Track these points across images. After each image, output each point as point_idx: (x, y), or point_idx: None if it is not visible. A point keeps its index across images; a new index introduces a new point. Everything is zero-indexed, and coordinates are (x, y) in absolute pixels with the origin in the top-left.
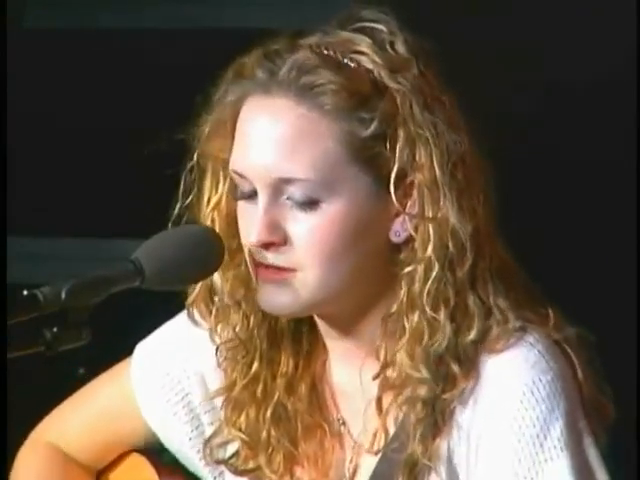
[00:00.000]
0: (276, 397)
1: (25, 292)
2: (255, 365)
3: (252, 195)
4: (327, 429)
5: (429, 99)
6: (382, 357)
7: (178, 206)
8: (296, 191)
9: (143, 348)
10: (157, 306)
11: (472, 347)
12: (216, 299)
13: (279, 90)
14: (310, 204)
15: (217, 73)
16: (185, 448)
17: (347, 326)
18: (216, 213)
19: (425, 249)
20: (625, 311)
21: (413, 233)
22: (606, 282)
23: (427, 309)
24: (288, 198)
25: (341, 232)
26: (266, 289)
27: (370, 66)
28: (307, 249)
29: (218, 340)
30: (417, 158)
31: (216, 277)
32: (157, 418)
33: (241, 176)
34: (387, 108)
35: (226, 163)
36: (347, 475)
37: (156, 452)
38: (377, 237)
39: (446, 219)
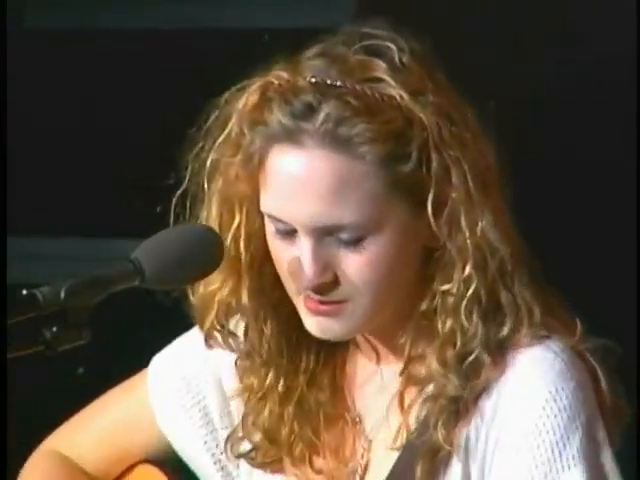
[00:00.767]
0: (298, 392)
1: (25, 292)
2: (273, 371)
3: (291, 233)
4: (348, 419)
5: (451, 113)
6: (407, 352)
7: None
8: (343, 234)
9: (159, 357)
10: (157, 306)
11: (502, 342)
12: (229, 314)
13: (314, 140)
14: (357, 242)
15: (217, 74)
16: (200, 454)
17: (375, 326)
18: (232, 238)
19: (463, 268)
20: (625, 311)
21: (451, 251)
22: (606, 282)
23: (462, 315)
24: (334, 237)
25: (388, 261)
26: (316, 319)
27: (392, 93)
28: (358, 284)
29: (235, 346)
30: (451, 179)
31: (229, 294)
32: (171, 424)
33: (279, 220)
34: (419, 137)
35: (244, 197)
36: (359, 469)
37: (165, 461)
38: (416, 252)
39: (484, 235)
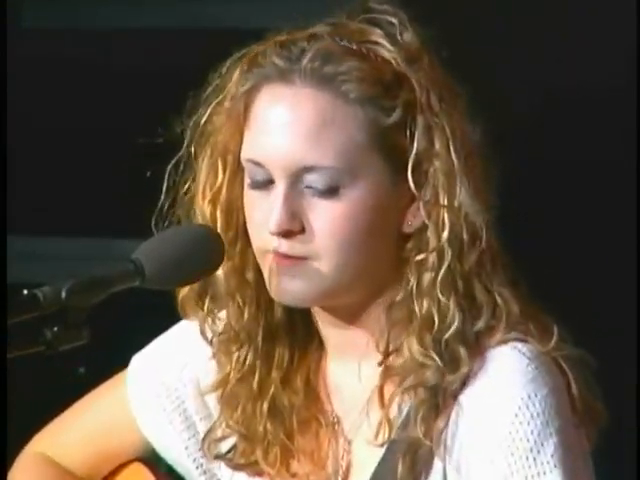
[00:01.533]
0: (272, 390)
1: (25, 292)
2: (250, 358)
3: (266, 184)
4: (323, 422)
5: (444, 89)
6: (385, 345)
7: (166, 200)
8: (318, 179)
9: (138, 359)
10: (157, 306)
11: (478, 335)
12: (209, 291)
13: (301, 78)
14: (331, 192)
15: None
16: (182, 458)
17: (351, 316)
18: (212, 205)
19: (439, 237)
20: (625, 311)
21: (427, 221)
22: (606, 282)
23: (439, 295)
24: (307, 186)
25: (359, 220)
26: (279, 278)
27: (387, 55)
28: (325, 237)
29: (210, 334)
30: (434, 146)
31: None
32: (153, 428)
33: (258, 165)
34: (407, 97)
35: (227, 152)
36: (341, 471)
37: (155, 460)
38: (390, 226)
39: (461, 207)
